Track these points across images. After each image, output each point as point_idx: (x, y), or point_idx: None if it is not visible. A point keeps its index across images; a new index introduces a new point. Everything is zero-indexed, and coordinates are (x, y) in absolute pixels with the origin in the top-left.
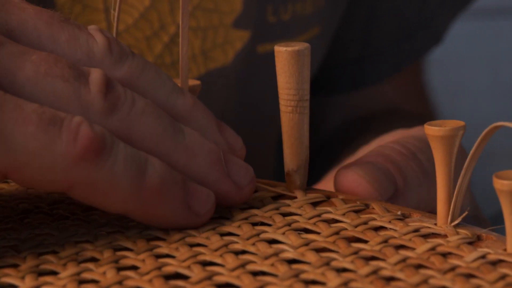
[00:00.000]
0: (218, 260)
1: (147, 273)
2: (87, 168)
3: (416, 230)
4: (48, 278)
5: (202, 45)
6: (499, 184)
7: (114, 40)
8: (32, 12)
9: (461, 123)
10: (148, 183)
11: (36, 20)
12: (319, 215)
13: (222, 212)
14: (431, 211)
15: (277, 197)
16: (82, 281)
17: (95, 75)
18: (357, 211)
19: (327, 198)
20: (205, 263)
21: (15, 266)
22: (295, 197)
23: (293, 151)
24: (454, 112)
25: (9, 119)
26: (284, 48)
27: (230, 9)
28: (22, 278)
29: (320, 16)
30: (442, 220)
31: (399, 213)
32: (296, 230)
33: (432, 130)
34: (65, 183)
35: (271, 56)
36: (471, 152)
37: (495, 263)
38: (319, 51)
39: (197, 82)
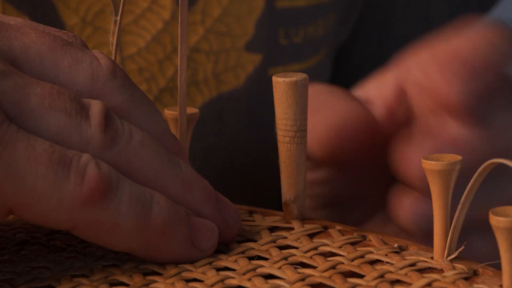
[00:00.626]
0: None
1: None
2: (92, 209)
3: (413, 264)
4: None
5: (214, 68)
6: (495, 220)
7: (117, 65)
8: (35, 37)
9: (458, 157)
10: (153, 223)
11: (39, 46)
12: (315, 248)
13: (219, 245)
14: None
15: (275, 227)
16: None
17: (95, 109)
18: (353, 243)
19: (324, 229)
20: None
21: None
22: (293, 228)
23: (291, 181)
24: None
25: (21, 158)
26: (282, 79)
27: (243, 32)
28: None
29: (330, 36)
30: (438, 254)
31: (396, 245)
32: (292, 264)
33: (429, 164)
34: (70, 223)
35: None
36: (468, 187)
37: None
38: (328, 70)
39: (195, 110)
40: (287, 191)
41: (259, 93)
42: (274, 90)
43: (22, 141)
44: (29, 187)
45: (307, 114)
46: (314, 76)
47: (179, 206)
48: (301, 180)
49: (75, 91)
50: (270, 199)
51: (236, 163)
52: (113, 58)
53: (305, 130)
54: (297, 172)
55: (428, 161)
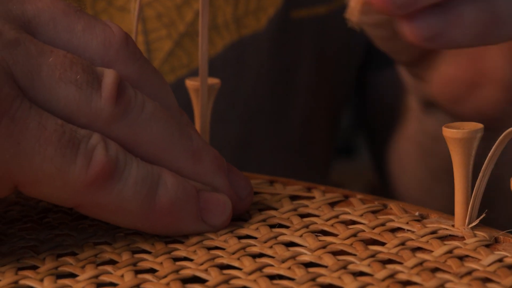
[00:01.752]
0: (236, 264)
1: (165, 276)
2: (96, 192)
3: (434, 232)
4: (66, 281)
5: (234, 11)
6: (449, 132)
7: (129, 35)
8: (48, 2)
9: (479, 125)
10: (158, 204)
11: (53, 10)
12: (337, 216)
13: (241, 214)
14: None
15: (295, 197)
16: (100, 284)
17: (108, 79)
18: (374, 212)
19: (345, 198)
20: (223, 267)
21: (34, 268)
22: (314, 197)
23: None
24: None
25: (31, 137)
26: None
27: None
28: (41, 280)
29: None
30: (459, 222)
31: (417, 213)
32: (313, 232)
33: (450, 133)
34: (73, 202)
35: (305, 22)
36: (489, 155)
37: None
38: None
39: (217, 81)
40: None
41: (281, 36)
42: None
43: (34, 119)
44: (35, 167)
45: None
46: (343, 19)
47: (188, 182)
48: None
49: (88, 56)
50: (291, 141)
51: (259, 107)
52: (134, 31)
53: None
54: None
55: (449, 129)
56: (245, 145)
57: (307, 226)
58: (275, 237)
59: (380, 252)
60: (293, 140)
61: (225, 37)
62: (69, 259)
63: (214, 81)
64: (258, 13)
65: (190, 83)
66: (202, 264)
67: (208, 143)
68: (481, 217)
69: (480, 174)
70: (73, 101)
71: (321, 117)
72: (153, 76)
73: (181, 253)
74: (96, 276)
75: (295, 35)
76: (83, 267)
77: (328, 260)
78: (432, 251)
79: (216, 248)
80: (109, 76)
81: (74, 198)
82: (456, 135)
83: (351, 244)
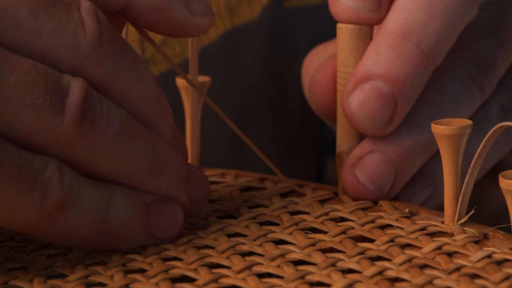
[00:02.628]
0: (225, 262)
1: (154, 276)
2: (47, 223)
3: (423, 229)
4: (56, 282)
5: (227, 0)
6: (505, 183)
7: (107, 28)
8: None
9: (468, 121)
10: (107, 229)
11: (18, 9)
12: (326, 214)
13: (231, 210)
14: None
15: (286, 193)
16: (90, 284)
17: (74, 98)
18: (364, 209)
19: (336, 195)
20: (212, 265)
21: (24, 268)
22: (304, 194)
23: (346, 132)
24: None
25: None
26: (346, 25)
27: None
28: (31, 281)
29: None
30: (449, 218)
31: (406, 210)
32: (303, 229)
33: (439, 129)
34: (25, 231)
35: (299, 12)
36: (478, 151)
37: (501, 263)
38: None
39: (207, 79)
40: (341, 142)
41: (275, 25)
42: (338, 36)
43: None
44: None
45: None
46: None
47: (138, 199)
48: (356, 131)
49: (55, 60)
50: (287, 132)
51: (252, 97)
52: None
53: None
54: None
55: (438, 126)
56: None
57: (297, 224)
58: (265, 235)
59: (369, 249)
60: (289, 131)
61: (219, 26)
62: (59, 259)
63: (204, 79)
64: (252, 1)
65: (181, 81)
66: (191, 263)
67: (178, 146)
68: (470, 213)
69: (469, 171)
70: (32, 126)
71: None
72: (128, 71)
73: (171, 253)
74: (86, 277)
75: (289, 24)
76: (73, 267)
77: (317, 257)
78: (421, 248)
79: (206, 247)
80: (75, 94)
81: (26, 229)
82: (445, 131)
83: (341, 242)
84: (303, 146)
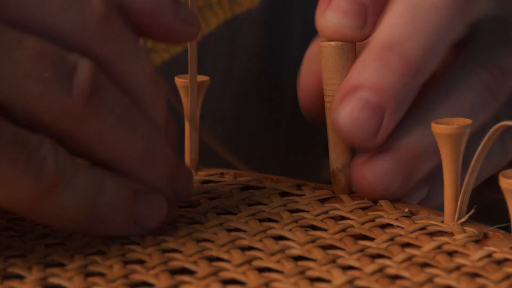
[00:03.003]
0: (225, 256)
1: (153, 267)
2: (39, 203)
3: (423, 228)
4: (55, 270)
5: None
6: (506, 183)
7: (112, 8)
8: None
9: (468, 121)
10: (95, 213)
11: None
12: (326, 212)
13: (230, 208)
14: None
15: (286, 193)
16: (89, 274)
17: (82, 76)
18: (364, 208)
19: (335, 195)
20: (212, 259)
21: (22, 257)
22: (304, 194)
23: (338, 149)
24: None
25: None
26: (328, 43)
27: None
28: (29, 268)
29: None
30: (449, 218)
31: (406, 210)
32: (303, 226)
33: (439, 128)
34: (15, 209)
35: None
36: (478, 151)
37: (501, 262)
38: None
39: (206, 78)
40: (334, 159)
41: (275, 14)
42: (320, 55)
43: None
44: None
45: None
46: None
47: (127, 186)
48: (348, 148)
49: (62, 35)
50: (285, 120)
51: (252, 85)
52: None
53: None
54: None
55: (438, 125)
56: (238, 123)
57: (296, 221)
58: (264, 231)
59: (369, 247)
60: (287, 118)
61: (219, 15)
62: (58, 249)
63: (203, 78)
64: None
65: (179, 81)
66: (191, 256)
67: (169, 135)
68: (470, 213)
69: (469, 170)
70: (39, 99)
71: None
72: (130, 53)
73: (171, 245)
74: (85, 266)
75: (288, 12)
76: (72, 257)
77: (317, 254)
78: (421, 247)
79: (206, 240)
80: (83, 72)
81: (18, 207)
82: (445, 131)
83: (341, 239)
84: (302, 133)
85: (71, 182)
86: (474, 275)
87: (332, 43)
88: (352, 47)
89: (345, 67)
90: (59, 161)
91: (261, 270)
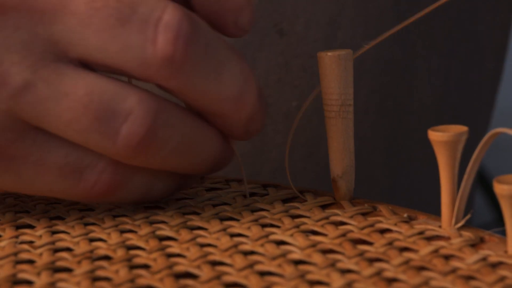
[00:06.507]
0: (228, 260)
1: (159, 271)
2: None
3: (421, 233)
4: (63, 275)
5: None
6: (500, 189)
7: (185, 42)
8: (83, 18)
9: (464, 128)
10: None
11: (84, 29)
12: (327, 218)
13: (233, 214)
14: None
15: (287, 199)
16: (96, 279)
17: (128, 129)
18: (364, 214)
19: (337, 201)
20: (215, 263)
21: (31, 262)
22: (305, 200)
23: (338, 156)
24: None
25: (30, 169)
26: (326, 53)
27: None
28: (38, 274)
29: None
30: (446, 223)
31: (405, 215)
32: (304, 232)
33: (436, 136)
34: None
35: None
36: (473, 157)
37: (495, 265)
38: None
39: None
40: (334, 166)
41: None
42: (319, 65)
43: (34, 154)
44: (36, 190)
45: (353, 89)
46: None
47: (174, 184)
48: (348, 155)
49: (125, 72)
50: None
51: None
52: None
53: (350, 105)
54: (344, 147)
55: (434, 132)
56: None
57: (297, 226)
58: (266, 236)
59: (367, 251)
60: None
61: None
62: (65, 255)
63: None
64: None
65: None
66: (194, 260)
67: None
68: (467, 217)
69: (465, 176)
70: (81, 143)
71: None
72: (204, 81)
73: (175, 249)
74: (92, 271)
75: None
76: (79, 262)
77: (317, 258)
78: (418, 251)
79: (209, 245)
80: (131, 125)
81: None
82: (441, 138)
83: (340, 244)
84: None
85: (127, 185)
86: (469, 278)
87: (330, 53)
88: (350, 56)
89: (342, 76)
90: (118, 173)
91: (262, 273)
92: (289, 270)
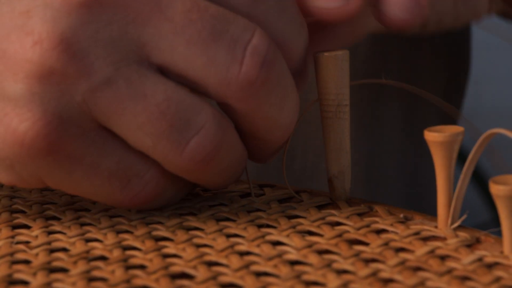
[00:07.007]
0: (223, 261)
1: (154, 272)
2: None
3: (417, 233)
4: (59, 275)
5: None
6: (496, 189)
7: (268, 70)
8: (176, 27)
9: (461, 128)
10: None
11: (175, 37)
12: (323, 218)
13: (229, 214)
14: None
15: (284, 200)
16: (92, 279)
17: (198, 142)
18: (360, 214)
19: (333, 201)
20: (211, 263)
21: (27, 262)
22: (302, 200)
23: (334, 156)
24: (479, 100)
25: (82, 171)
26: (322, 54)
27: None
28: (34, 274)
29: None
30: (442, 223)
31: (401, 216)
32: (300, 232)
33: (432, 136)
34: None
35: None
36: (469, 157)
37: (491, 266)
38: None
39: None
40: (331, 166)
41: None
42: (315, 65)
43: (89, 156)
44: (82, 189)
45: (349, 89)
46: None
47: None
48: (344, 155)
49: (201, 87)
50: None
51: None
52: None
53: (347, 105)
54: (340, 147)
55: (431, 133)
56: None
57: (293, 227)
58: (262, 236)
59: (363, 251)
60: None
61: None
62: (61, 255)
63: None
64: None
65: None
66: (190, 261)
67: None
68: (463, 218)
69: (461, 176)
70: (147, 151)
71: None
72: (268, 111)
73: (171, 250)
74: (88, 271)
75: None
76: (75, 262)
77: (313, 258)
78: (414, 251)
79: (205, 245)
80: (200, 139)
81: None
82: (437, 138)
83: (336, 244)
84: None
85: (167, 192)
86: (465, 278)
87: (326, 53)
88: (347, 56)
89: (339, 77)
90: (160, 185)
91: (258, 274)
92: (285, 270)
